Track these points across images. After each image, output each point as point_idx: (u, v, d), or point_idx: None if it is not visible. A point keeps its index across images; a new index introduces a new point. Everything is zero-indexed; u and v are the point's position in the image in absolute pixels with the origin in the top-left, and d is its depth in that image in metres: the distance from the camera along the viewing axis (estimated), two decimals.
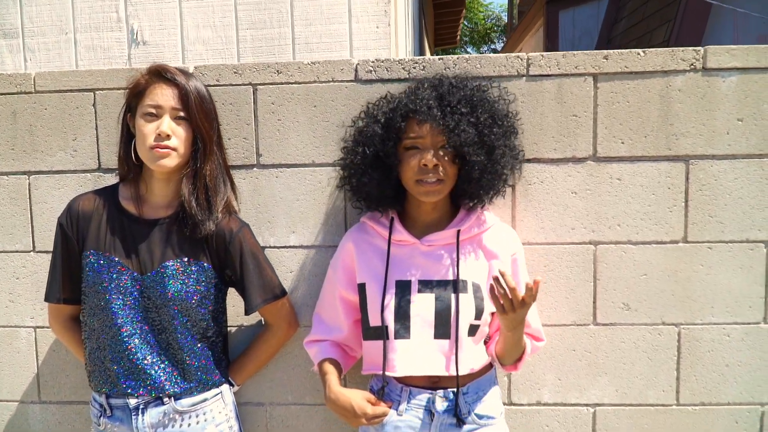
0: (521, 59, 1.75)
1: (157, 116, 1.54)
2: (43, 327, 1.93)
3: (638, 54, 1.74)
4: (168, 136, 1.53)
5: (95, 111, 1.84)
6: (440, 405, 1.53)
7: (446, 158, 1.50)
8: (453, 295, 1.54)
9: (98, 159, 1.85)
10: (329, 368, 1.62)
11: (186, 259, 1.62)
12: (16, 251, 1.93)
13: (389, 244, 1.60)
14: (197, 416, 1.63)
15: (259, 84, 1.80)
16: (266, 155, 1.82)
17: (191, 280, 1.61)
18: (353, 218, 1.82)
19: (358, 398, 1.53)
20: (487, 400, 1.57)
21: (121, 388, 1.60)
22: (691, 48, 1.73)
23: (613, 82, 1.74)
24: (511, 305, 1.40)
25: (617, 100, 1.75)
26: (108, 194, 1.68)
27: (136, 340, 1.59)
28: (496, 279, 1.39)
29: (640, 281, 1.78)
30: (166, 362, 1.61)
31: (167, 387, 1.60)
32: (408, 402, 1.55)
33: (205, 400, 1.64)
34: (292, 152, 1.81)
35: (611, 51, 1.74)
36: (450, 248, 1.59)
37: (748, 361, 1.79)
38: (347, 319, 1.67)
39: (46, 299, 1.69)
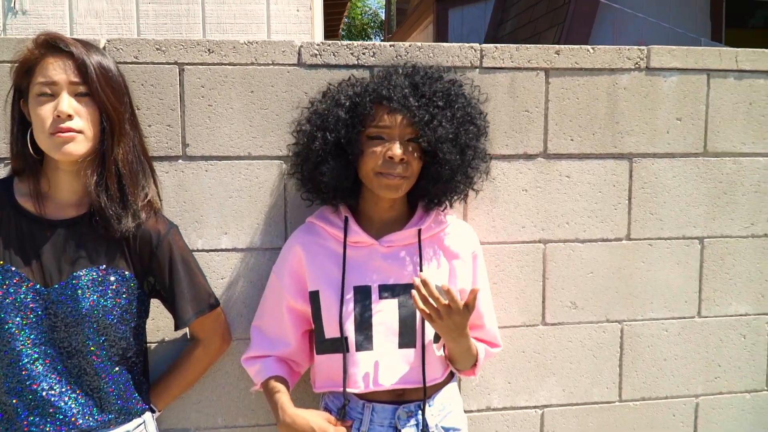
0: (475, 50, 1.67)
1: (53, 95, 1.27)
2: None
3: (588, 50, 1.72)
4: (69, 117, 1.26)
5: None
6: (405, 420, 1.41)
7: (414, 153, 1.38)
8: None
9: None
10: (279, 387, 1.44)
11: (102, 267, 1.36)
12: None
13: (345, 247, 1.45)
14: None
15: (187, 64, 1.57)
16: (194, 145, 1.59)
17: (109, 292, 1.36)
18: (294, 218, 1.64)
19: (318, 419, 1.37)
20: (453, 411, 1.47)
21: (21, 426, 1.31)
22: (636, 47, 1.74)
23: (564, 78, 1.71)
24: (438, 313, 1.31)
25: (567, 97, 1.72)
26: (2, 191, 1.38)
27: (40, 366, 1.32)
28: (418, 287, 1.29)
29: (586, 279, 1.78)
30: (79, 392, 1.35)
31: (81, 422, 1.34)
32: (371, 420, 1.41)
33: None
34: (224, 143, 1.60)
35: (563, 46, 1.71)
36: (411, 249, 1.47)
37: (683, 355, 1.84)
38: (295, 331, 1.50)
39: None
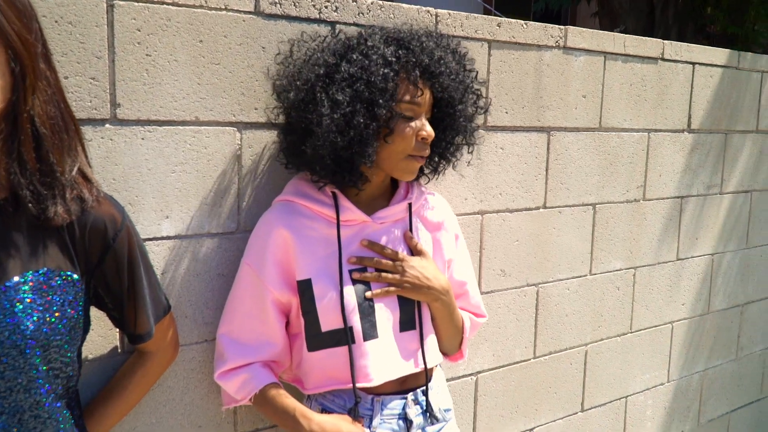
0: (431, 14, 1.59)
1: None
2: None
3: (522, 25, 1.76)
4: None
5: None
6: (413, 409, 1.32)
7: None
8: None
9: None
10: (284, 393, 1.25)
11: (42, 270, 1.00)
12: None
13: (338, 226, 1.28)
14: None
15: None
16: (127, 106, 1.23)
17: (55, 303, 1.00)
18: (249, 195, 1.39)
19: (348, 425, 1.21)
20: (444, 391, 1.42)
21: None
22: (557, 26, 1.84)
23: (503, 50, 1.73)
24: (399, 269, 1.29)
25: (504, 70, 1.74)
26: None
27: None
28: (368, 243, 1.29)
29: (513, 247, 1.85)
30: None
31: None
32: (381, 414, 1.29)
33: None
34: (166, 104, 1.27)
35: (503, 19, 1.72)
36: (401, 224, 1.37)
37: (578, 309, 2.05)
38: (281, 328, 1.29)
39: None
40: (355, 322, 1.26)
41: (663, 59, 2.12)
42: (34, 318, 0.97)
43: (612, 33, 1.97)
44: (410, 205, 1.37)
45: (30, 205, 0.95)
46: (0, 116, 0.92)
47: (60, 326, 1.00)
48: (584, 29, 1.89)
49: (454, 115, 1.31)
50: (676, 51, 2.15)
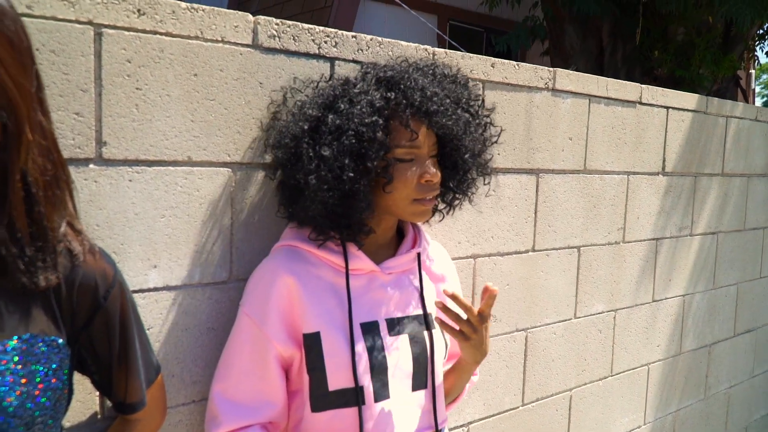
0: (428, 52, 1.54)
1: None
2: None
3: (514, 66, 1.74)
4: None
5: None
6: None
7: (437, 169, 1.20)
8: (426, 333, 1.26)
9: None
10: None
11: (26, 337, 0.86)
12: None
13: (347, 276, 1.19)
14: None
15: (108, 26, 1.09)
16: (114, 144, 1.11)
17: (38, 373, 0.87)
18: (241, 241, 1.28)
19: None
20: None
21: None
22: (546, 68, 1.83)
23: (495, 91, 1.70)
24: (472, 328, 1.22)
25: (497, 111, 1.71)
26: None
27: None
28: (443, 305, 1.19)
29: (504, 291, 1.80)
30: None
31: None
32: None
33: None
34: (157, 142, 1.16)
35: (497, 60, 1.69)
36: (409, 274, 1.29)
37: (564, 354, 2.01)
38: (282, 386, 1.18)
39: None
40: (367, 381, 1.16)
41: (641, 103, 2.14)
42: (18, 391, 0.83)
43: (596, 76, 1.98)
44: (419, 255, 1.30)
45: (19, 273, 0.82)
46: None
47: (44, 400, 0.87)
48: (571, 72, 1.89)
49: (459, 150, 1.24)
50: (653, 95, 2.18)
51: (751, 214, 2.76)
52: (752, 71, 9.14)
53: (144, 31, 1.13)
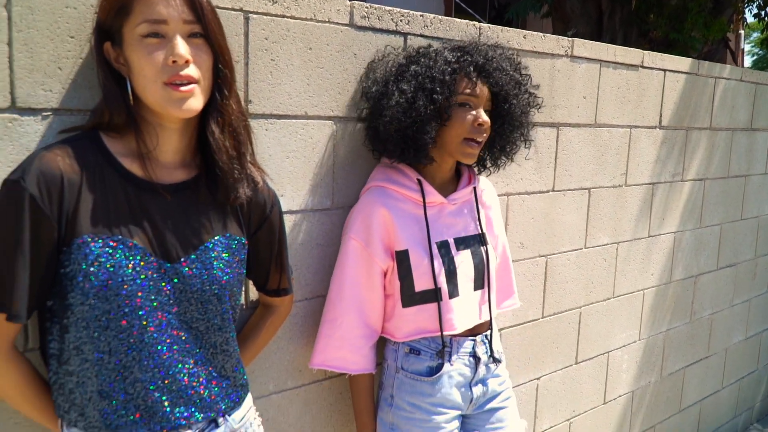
0: (475, 26, 1.90)
1: (162, 37, 1.09)
2: None
3: (541, 37, 2.10)
4: (186, 63, 1.10)
5: (9, 14, 1.15)
6: (481, 349, 1.65)
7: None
8: (482, 248, 1.65)
9: (11, 92, 1.17)
10: (367, 396, 1.63)
11: (228, 235, 1.25)
12: None
13: (425, 208, 1.58)
14: (245, 430, 1.31)
15: (252, 12, 1.44)
16: (256, 103, 1.48)
17: (235, 261, 1.26)
18: (341, 178, 1.66)
19: None
20: (498, 337, 1.75)
21: (171, 421, 1.16)
22: (566, 38, 2.19)
23: (526, 58, 2.06)
24: None
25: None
26: (95, 149, 1.14)
27: (176, 352, 1.17)
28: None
29: (530, 223, 2.20)
30: (215, 373, 1.24)
31: (222, 405, 1.24)
32: (457, 352, 1.60)
33: (249, 408, 1.33)
34: (284, 101, 1.53)
35: (526, 32, 2.05)
36: (467, 204, 1.68)
37: (575, 277, 2.43)
38: (383, 294, 1.58)
39: None
40: (442, 283, 1.56)
41: (642, 66, 2.51)
42: (227, 271, 1.22)
43: (606, 44, 2.34)
44: (475, 189, 1.68)
45: (226, 185, 1.20)
46: (212, 112, 1.17)
47: (238, 279, 1.26)
48: (586, 41, 2.25)
49: (510, 108, 1.61)
50: (653, 59, 2.55)
51: (734, 163, 3.16)
52: (741, 32, 9.46)
53: (276, 15, 1.48)
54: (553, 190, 2.26)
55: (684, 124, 2.79)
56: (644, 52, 2.51)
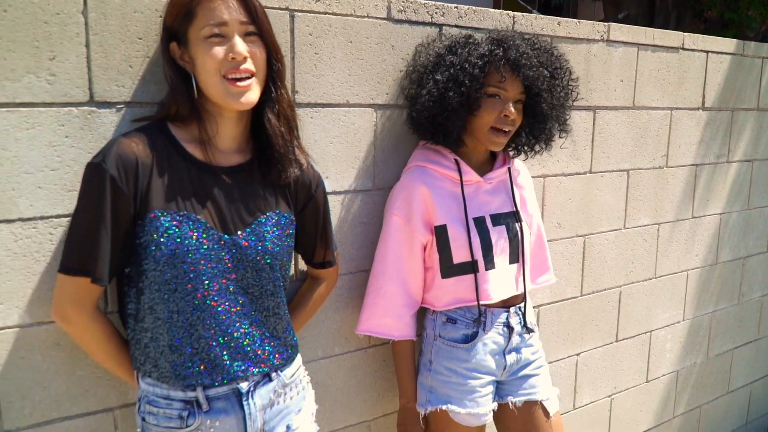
0: (509, 15, 1.99)
1: (223, 37, 1.26)
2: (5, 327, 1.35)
3: (576, 23, 2.17)
4: (244, 59, 1.26)
5: (86, 19, 1.33)
6: (515, 319, 1.75)
7: (519, 113, 1.67)
8: (517, 225, 1.76)
9: (89, 88, 1.36)
10: (409, 361, 1.76)
11: (278, 212, 1.41)
12: None
13: (462, 186, 1.69)
14: (296, 386, 1.47)
15: (297, 10, 1.59)
16: (302, 93, 1.63)
17: (284, 235, 1.41)
18: (381, 161, 1.80)
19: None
20: (531, 309, 1.85)
21: (231, 373, 1.33)
22: (602, 23, 2.25)
23: (561, 44, 2.14)
24: None
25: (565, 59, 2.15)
26: (163, 136, 1.31)
27: (234, 315, 1.34)
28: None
29: (566, 204, 2.28)
30: (268, 333, 1.40)
31: (273, 360, 1.40)
32: (492, 322, 1.72)
33: (299, 367, 1.49)
34: (327, 91, 1.67)
35: (562, 18, 2.13)
36: (503, 183, 1.78)
37: (615, 257, 2.49)
38: (423, 267, 1.71)
39: (80, 273, 1.23)
40: (479, 256, 1.68)
41: (683, 49, 2.53)
42: (277, 243, 1.38)
43: (644, 28, 2.38)
44: (509, 169, 1.79)
45: (279, 166, 1.36)
46: (268, 101, 1.33)
47: (287, 251, 1.42)
48: (623, 25, 2.30)
49: (539, 101, 1.70)
50: (694, 41, 2.57)
51: None
52: None
53: (319, 12, 1.62)
54: (590, 172, 2.33)
55: (729, 105, 2.79)
56: (685, 34, 2.53)
